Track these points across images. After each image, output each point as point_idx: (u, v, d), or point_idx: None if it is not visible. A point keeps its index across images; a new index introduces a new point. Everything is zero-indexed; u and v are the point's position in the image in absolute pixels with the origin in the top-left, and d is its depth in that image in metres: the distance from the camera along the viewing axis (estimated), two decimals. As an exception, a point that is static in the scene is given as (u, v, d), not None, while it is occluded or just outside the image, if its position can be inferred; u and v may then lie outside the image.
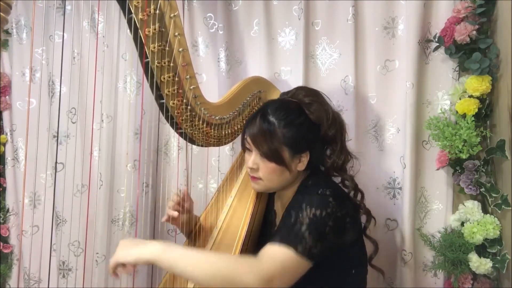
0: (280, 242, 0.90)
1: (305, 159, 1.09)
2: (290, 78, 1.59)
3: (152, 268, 1.74)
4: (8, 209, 1.85)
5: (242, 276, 0.85)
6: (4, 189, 1.86)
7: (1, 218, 1.83)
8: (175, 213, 1.17)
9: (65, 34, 1.76)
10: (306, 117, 1.09)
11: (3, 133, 1.84)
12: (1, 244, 1.82)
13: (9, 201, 1.85)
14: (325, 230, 0.94)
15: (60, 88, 1.76)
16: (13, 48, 1.83)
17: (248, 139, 1.09)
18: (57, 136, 1.76)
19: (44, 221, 1.79)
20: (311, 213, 0.94)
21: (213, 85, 1.67)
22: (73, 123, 1.77)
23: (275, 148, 1.04)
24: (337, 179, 1.19)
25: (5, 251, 1.83)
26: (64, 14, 1.75)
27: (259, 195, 1.22)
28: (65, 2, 1.74)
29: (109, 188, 1.73)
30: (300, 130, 1.07)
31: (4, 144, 1.84)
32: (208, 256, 0.93)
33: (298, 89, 1.18)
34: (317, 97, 1.14)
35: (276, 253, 0.90)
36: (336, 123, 1.13)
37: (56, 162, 1.79)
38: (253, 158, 1.09)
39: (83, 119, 1.76)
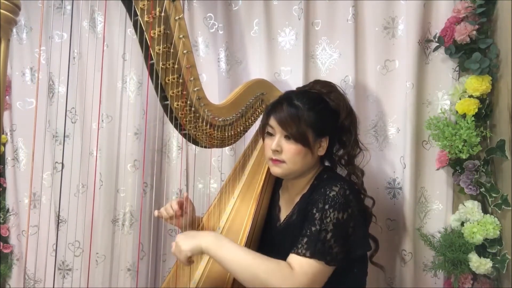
0: (311, 256, 0.97)
1: (324, 144, 1.16)
2: (290, 78, 1.59)
3: (155, 268, 1.74)
4: (8, 209, 1.85)
5: (276, 285, 0.95)
6: (4, 189, 1.86)
7: (1, 218, 1.83)
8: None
9: (65, 34, 1.76)
10: (327, 104, 1.18)
11: (3, 133, 1.84)
12: (1, 244, 1.82)
13: (9, 201, 1.86)
14: (348, 232, 1.02)
15: (58, 88, 1.76)
16: (13, 48, 1.82)
17: (273, 123, 1.13)
18: (55, 136, 1.75)
19: (44, 221, 1.79)
20: (335, 217, 0.99)
21: (213, 85, 1.66)
22: (73, 123, 1.77)
23: (303, 130, 1.10)
24: (343, 174, 1.22)
25: (5, 251, 1.83)
26: (63, 14, 1.75)
27: (262, 194, 1.23)
28: (64, 2, 1.74)
29: (109, 188, 1.73)
30: (322, 114, 1.14)
31: (4, 144, 1.84)
32: (252, 258, 0.99)
33: (315, 82, 1.26)
34: (334, 87, 1.23)
35: (308, 267, 0.97)
36: (352, 114, 1.22)
37: (55, 162, 1.79)
38: (277, 140, 1.13)
39: (83, 119, 1.76)
